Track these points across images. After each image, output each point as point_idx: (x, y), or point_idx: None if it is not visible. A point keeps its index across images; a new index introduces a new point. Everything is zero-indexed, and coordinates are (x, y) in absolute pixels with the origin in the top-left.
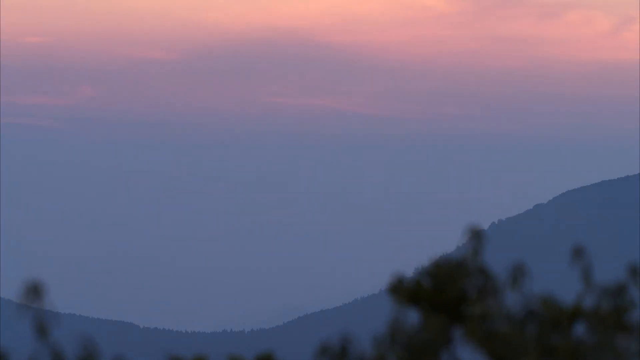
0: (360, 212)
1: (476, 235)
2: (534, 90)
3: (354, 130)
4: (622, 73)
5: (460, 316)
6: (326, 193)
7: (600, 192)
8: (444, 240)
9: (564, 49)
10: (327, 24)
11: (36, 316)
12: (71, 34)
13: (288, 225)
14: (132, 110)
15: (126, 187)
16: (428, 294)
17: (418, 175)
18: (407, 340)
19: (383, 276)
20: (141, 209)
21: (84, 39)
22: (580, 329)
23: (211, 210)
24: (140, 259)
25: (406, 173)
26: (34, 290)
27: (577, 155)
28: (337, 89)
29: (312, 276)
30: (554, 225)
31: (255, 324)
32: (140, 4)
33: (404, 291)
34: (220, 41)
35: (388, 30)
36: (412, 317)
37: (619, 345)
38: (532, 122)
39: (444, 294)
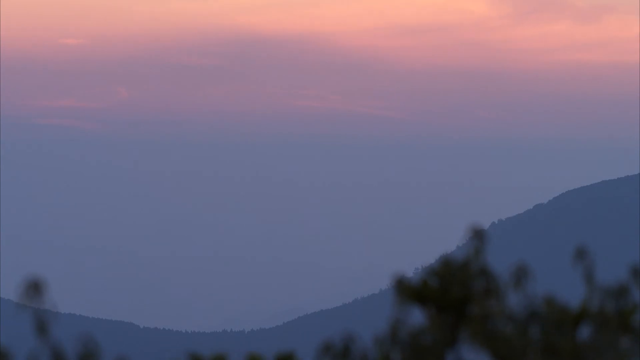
0: (360, 212)
1: (478, 235)
2: (538, 92)
3: (353, 132)
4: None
5: (465, 316)
6: (326, 193)
7: (600, 192)
8: (444, 240)
9: (600, 53)
10: (362, 28)
11: (36, 314)
12: (107, 36)
13: (288, 225)
14: (165, 112)
15: (130, 187)
16: (435, 294)
17: (418, 176)
18: (411, 339)
19: (383, 276)
20: (142, 208)
21: (120, 41)
22: (585, 331)
23: (212, 210)
24: (140, 258)
25: (406, 173)
26: (34, 288)
27: (577, 155)
28: (352, 91)
29: (312, 276)
30: (554, 225)
31: (255, 324)
32: (176, 7)
33: (410, 290)
34: (254, 46)
35: (422, 34)
36: (415, 316)
37: (622, 346)
38: (532, 122)
39: (450, 293)
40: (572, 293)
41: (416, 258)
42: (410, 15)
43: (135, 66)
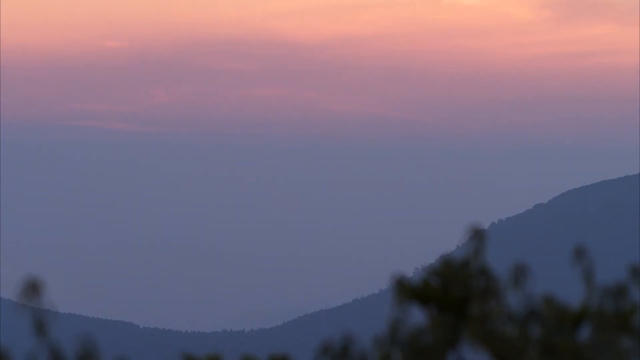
0: (360, 212)
1: (478, 235)
2: (542, 94)
3: (353, 132)
4: None
5: (466, 316)
6: (326, 193)
7: (600, 192)
8: (444, 240)
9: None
10: (398, 33)
11: (34, 314)
12: (147, 40)
13: (288, 226)
14: (201, 115)
15: (136, 187)
16: (436, 293)
17: (418, 175)
18: (411, 340)
19: (383, 276)
20: (142, 208)
21: (160, 45)
22: (584, 331)
23: (212, 210)
24: (140, 258)
25: (406, 173)
26: (33, 288)
27: (577, 155)
28: (363, 93)
29: (312, 276)
30: (554, 225)
31: (255, 324)
32: (215, 13)
33: (410, 290)
34: (290, 51)
35: (461, 38)
36: (415, 316)
37: (621, 346)
38: (532, 122)
39: (451, 293)
40: (572, 293)
41: (416, 258)
42: (450, 20)
43: (174, 69)
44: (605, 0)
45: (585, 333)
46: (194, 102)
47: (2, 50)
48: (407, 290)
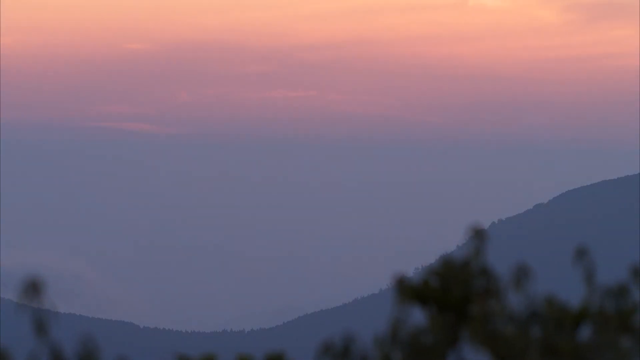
0: (360, 212)
1: (478, 235)
2: (542, 95)
3: (354, 131)
4: None
5: (466, 316)
6: (326, 193)
7: (600, 192)
8: (444, 240)
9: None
10: (423, 35)
11: (35, 314)
12: (169, 42)
13: (288, 225)
14: (223, 118)
15: (136, 187)
16: (436, 294)
17: (418, 175)
18: (412, 340)
19: (383, 276)
20: (140, 208)
21: (182, 47)
22: (585, 331)
23: (211, 210)
24: (139, 258)
25: (406, 173)
26: (33, 287)
27: (577, 155)
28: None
29: (312, 276)
30: (554, 225)
31: (255, 324)
32: (238, 16)
33: (410, 290)
34: (313, 53)
35: (481, 40)
36: (416, 316)
37: (622, 346)
38: (532, 122)
39: (451, 293)
40: (572, 293)
41: (416, 258)
42: (472, 22)
43: (196, 72)
44: (628, 2)
45: (586, 333)
46: (216, 104)
47: (25, 53)
48: (407, 290)
